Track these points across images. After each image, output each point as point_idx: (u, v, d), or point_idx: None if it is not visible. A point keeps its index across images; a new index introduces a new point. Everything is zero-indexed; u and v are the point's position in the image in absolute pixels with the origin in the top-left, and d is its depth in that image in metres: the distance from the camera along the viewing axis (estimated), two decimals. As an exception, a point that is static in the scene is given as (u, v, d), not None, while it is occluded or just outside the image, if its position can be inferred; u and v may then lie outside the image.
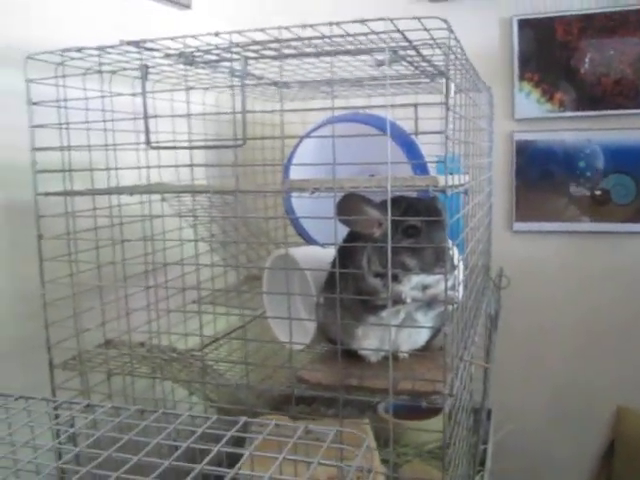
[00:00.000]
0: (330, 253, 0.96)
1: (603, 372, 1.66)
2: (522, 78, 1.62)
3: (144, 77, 0.78)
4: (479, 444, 1.32)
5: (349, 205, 0.79)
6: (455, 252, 0.84)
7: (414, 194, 0.92)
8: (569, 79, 1.59)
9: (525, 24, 1.61)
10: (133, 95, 0.88)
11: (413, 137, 1.35)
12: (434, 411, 1.28)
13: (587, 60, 1.58)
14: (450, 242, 0.79)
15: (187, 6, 1.58)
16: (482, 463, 1.32)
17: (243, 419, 0.61)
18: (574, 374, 1.68)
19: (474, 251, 1.00)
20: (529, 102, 1.63)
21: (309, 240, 1.32)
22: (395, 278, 0.79)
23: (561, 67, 1.60)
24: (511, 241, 1.67)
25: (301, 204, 1.29)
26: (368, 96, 1.54)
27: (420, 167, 1.25)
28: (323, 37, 0.75)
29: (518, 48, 1.62)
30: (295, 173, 1.24)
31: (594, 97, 1.58)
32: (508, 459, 1.55)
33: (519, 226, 1.67)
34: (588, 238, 1.63)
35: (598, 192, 1.61)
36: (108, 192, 0.91)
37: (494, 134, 1.59)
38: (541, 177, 1.65)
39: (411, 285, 0.82)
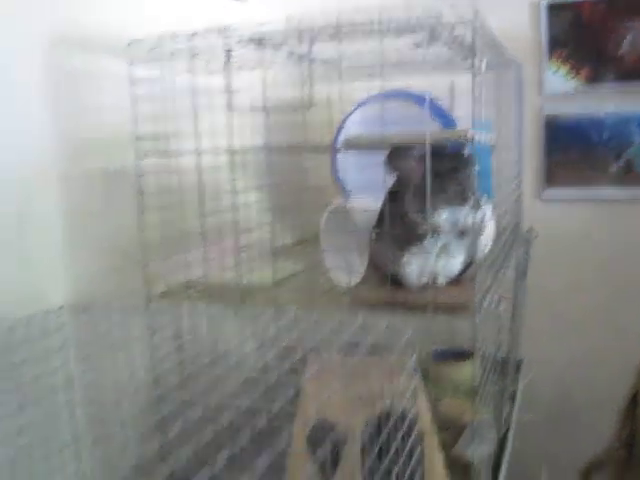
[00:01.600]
0: (375, 205, 1.14)
1: (627, 327, 1.79)
2: (551, 57, 1.77)
3: (228, 59, 0.96)
4: (508, 387, 1.48)
5: (396, 156, 0.97)
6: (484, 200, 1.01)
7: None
8: (594, 56, 1.73)
9: (553, 7, 1.75)
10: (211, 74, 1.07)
11: (448, 112, 1.54)
12: (467, 356, 1.46)
13: (610, 38, 1.71)
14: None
15: (243, -1, 1.77)
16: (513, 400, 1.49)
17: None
18: (599, 330, 1.82)
19: (502, 201, 1.16)
20: (557, 78, 1.77)
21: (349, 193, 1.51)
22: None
23: (587, 45, 1.73)
24: (540, 208, 1.82)
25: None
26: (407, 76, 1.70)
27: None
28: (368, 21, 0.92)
29: (547, 30, 1.76)
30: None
31: (618, 72, 1.72)
32: (534, 407, 1.70)
33: (547, 194, 1.82)
34: (613, 205, 1.77)
35: (622, 162, 1.75)
36: (195, 152, 1.10)
37: (525, 108, 1.73)
38: (568, 148, 1.79)
39: (442, 219, 1.00)
